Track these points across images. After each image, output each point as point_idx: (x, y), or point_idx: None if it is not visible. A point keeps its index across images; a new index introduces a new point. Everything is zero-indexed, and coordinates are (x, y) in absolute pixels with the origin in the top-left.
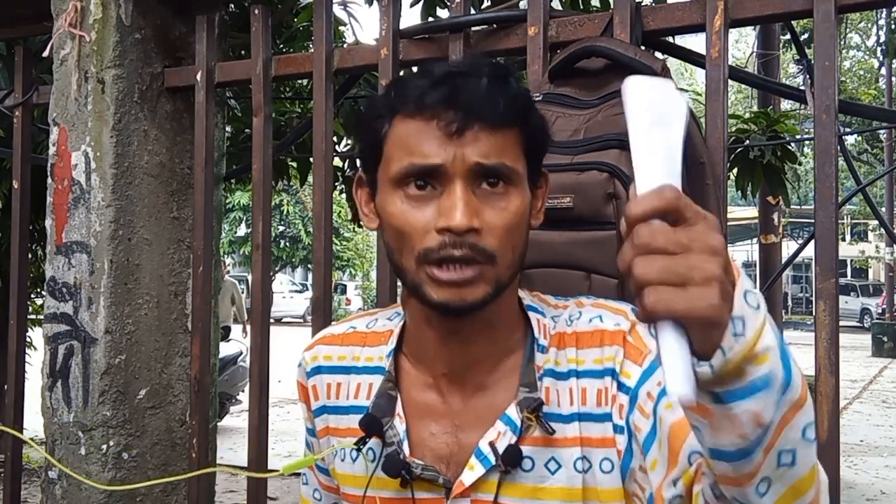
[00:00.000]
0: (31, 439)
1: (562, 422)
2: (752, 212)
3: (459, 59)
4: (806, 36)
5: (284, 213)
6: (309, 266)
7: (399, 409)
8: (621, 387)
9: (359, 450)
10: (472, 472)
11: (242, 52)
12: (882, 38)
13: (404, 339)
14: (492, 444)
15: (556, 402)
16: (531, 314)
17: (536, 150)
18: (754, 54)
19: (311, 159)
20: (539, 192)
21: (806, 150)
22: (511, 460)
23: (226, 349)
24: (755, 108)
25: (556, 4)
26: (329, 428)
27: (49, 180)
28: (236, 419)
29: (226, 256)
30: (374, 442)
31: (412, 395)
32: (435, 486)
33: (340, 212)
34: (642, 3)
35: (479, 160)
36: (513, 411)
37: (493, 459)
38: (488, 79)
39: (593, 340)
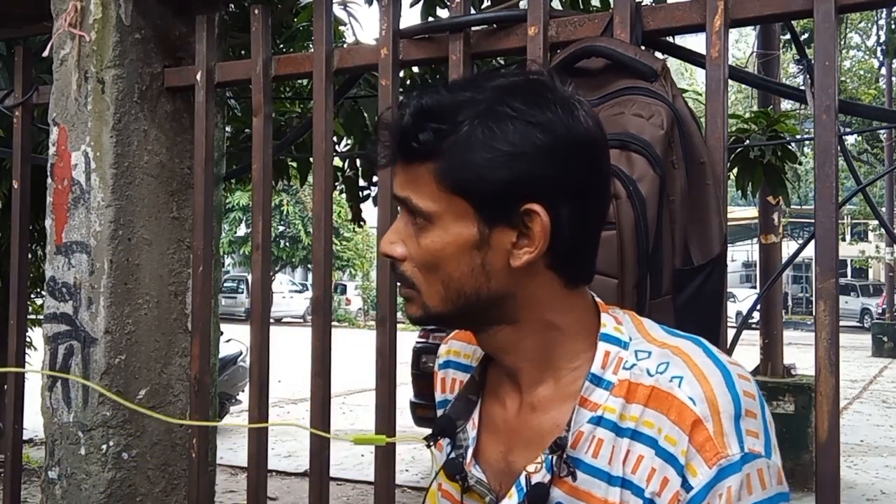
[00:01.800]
0: (31, 439)
1: (605, 482)
2: (752, 212)
3: (417, 93)
4: (806, 36)
5: (284, 213)
6: (309, 266)
7: (476, 414)
8: (686, 485)
9: (428, 446)
10: (509, 501)
11: (242, 52)
12: (882, 38)
13: None
14: (528, 477)
15: (608, 458)
16: (602, 344)
17: (476, 189)
18: (754, 54)
19: (311, 159)
20: (526, 230)
21: (806, 150)
22: (535, 499)
23: (226, 349)
24: (755, 108)
25: (556, 4)
26: (412, 434)
27: (49, 180)
28: (236, 419)
29: (226, 256)
30: (448, 441)
31: (488, 403)
32: (483, 501)
33: (340, 212)
34: (642, 3)
35: (395, 192)
36: (548, 450)
37: (525, 492)
38: (411, 114)
39: (663, 405)
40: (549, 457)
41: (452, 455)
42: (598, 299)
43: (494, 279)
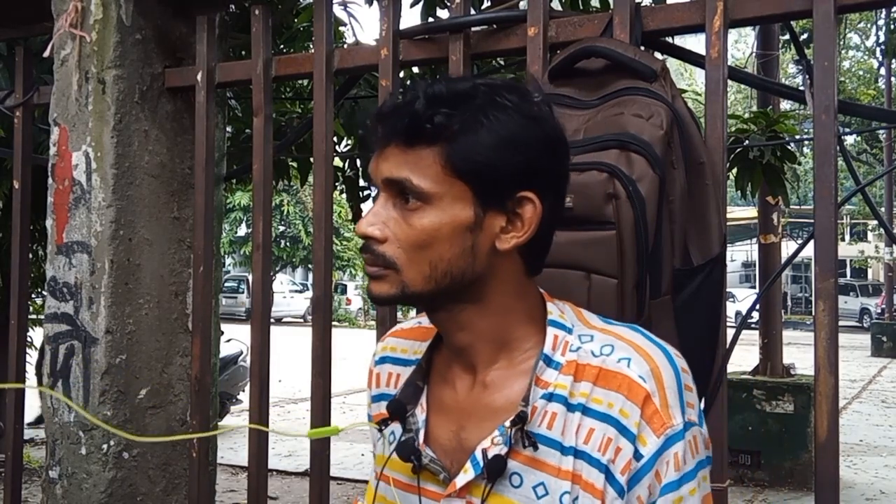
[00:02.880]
0: (31, 439)
1: (559, 451)
2: (751, 212)
3: (433, 79)
4: (805, 36)
5: (284, 213)
6: (309, 266)
7: (423, 399)
8: (636, 454)
9: (380, 430)
10: (465, 475)
11: (243, 53)
12: (881, 38)
13: None
14: (484, 451)
15: (561, 430)
16: (550, 329)
17: (481, 173)
18: (754, 54)
19: (311, 159)
20: (515, 216)
21: (805, 150)
22: (494, 470)
23: (226, 349)
24: (755, 108)
25: (556, 5)
26: (381, 414)
27: (49, 180)
28: (236, 419)
29: (226, 256)
30: (397, 427)
31: (435, 388)
32: (438, 480)
33: (340, 212)
34: (642, 4)
35: (386, 174)
36: (508, 424)
37: (482, 466)
38: (424, 99)
39: (613, 383)
40: (507, 430)
41: (404, 438)
42: (541, 290)
43: (478, 260)
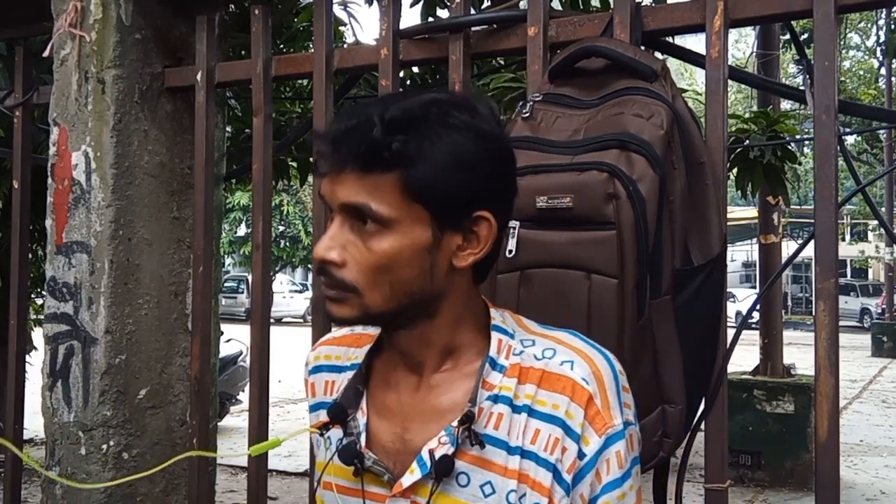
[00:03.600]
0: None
1: (505, 450)
2: (752, 212)
3: (382, 100)
4: (806, 36)
5: (284, 213)
6: (309, 266)
7: (363, 403)
8: (580, 453)
9: (321, 434)
10: (411, 476)
11: (242, 52)
12: (882, 38)
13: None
14: (431, 452)
15: (507, 430)
16: (494, 334)
17: (439, 197)
18: (754, 54)
19: (311, 159)
20: (472, 235)
21: (806, 150)
22: (442, 470)
23: (226, 349)
24: (755, 108)
25: (556, 4)
26: (321, 422)
27: (49, 180)
28: (236, 419)
29: (226, 256)
30: (337, 432)
31: (376, 392)
32: (382, 482)
33: None
34: (642, 3)
35: (344, 200)
36: (456, 423)
37: (429, 466)
38: (381, 125)
39: (557, 385)
40: (454, 430)
41: (345, 441)
42: (483, 297)
43: (436, 279)
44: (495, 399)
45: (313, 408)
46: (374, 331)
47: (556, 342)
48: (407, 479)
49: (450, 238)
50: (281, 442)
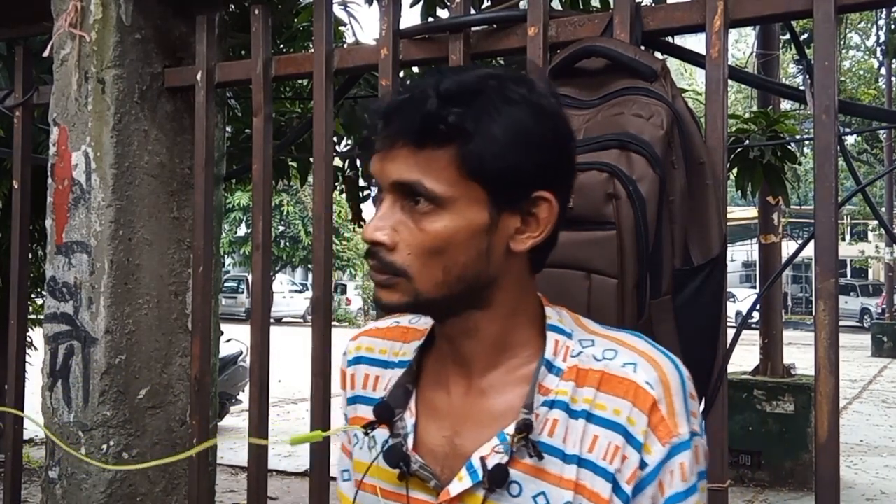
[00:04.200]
0: (31, 439)
1: (560, 459)
2: (752, 212)
3: (437, 73)
4: (806, 36)
5: (284, 213)
6: (309, 266)
7: (412, 403)
8: (641, 463)
9: (366, 434)
10: (459, 483)
11: (242, 52)
12: (882, 38)
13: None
14: (483, 460)
15: (563, 437)
16: (550, 333)
17: (498, 174)
18: (754, 54)
19: (311, 159)
20: (531, 217)
21: (806, 150)
22: (496, 480)
23: (226, 349)
24: (755, 108)
25: (557, 4)
26: (358, 417)
27: (49, 180)
28: (236, 419)
29: (226, 256)
30: (383, 432)
31: (426, 392)
32: (427, 488)
33: (340, 212)
34: (642, 3)
35: (395, 177)
36: (510, 430)
37: (480, 475)
38: (437, 97)
39: (619, 389)
40: (509, 438)
41: (391, 443)
42: (539, 294)
43: (492, 263)
44: (551, 404)
45: (350, 401)
46: (422, 326)
47: (617, 343)
48: (455, 487)
49: (507, 219)
50: (323, 436)
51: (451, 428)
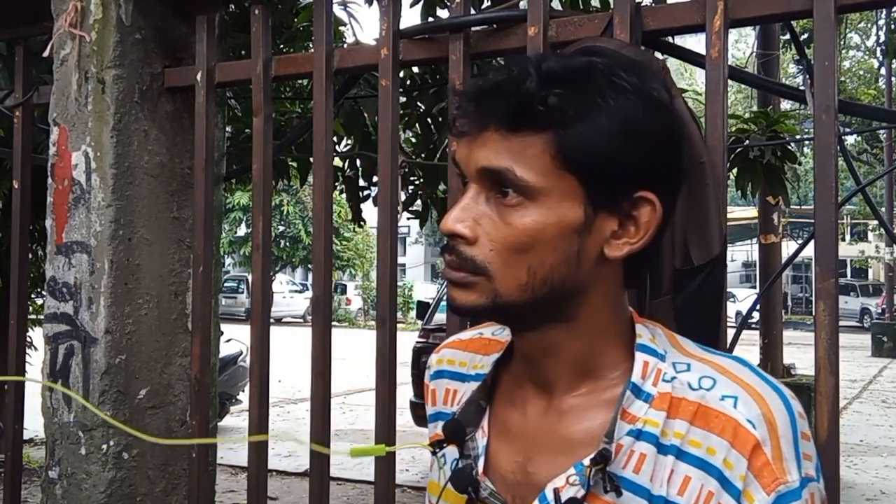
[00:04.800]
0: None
1: (646, 500)
2: (752, 212)
3: (538, 56)
4: (806, 36)
5: (284, 213)
6: (309, 266)
7: (485, 422)
8: None
9: (434, 453)
10: None
11: (242, 52)
12: (882, 38)
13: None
14: (556, 492)
15: (650, 475)
16: (639, 354)
17: (598, 167)
18: (754, 54)
19: (311, 159)
20: (630, 221)
21: (806, 150)
22: None
23: (226, 349)
24: (755, 108)
25: (557, 4)
26: (438, 436)
27: (49, 180)
28: (236, 419)
29: (226, 256)
30: (452, 451)
31: (500, 410)
32: None
33: (340, 212)
34: (642, 3)
35: (483, 163)
36: (587, 461)
37: None
38: (537, 76)
39: (715, 425)
40: (586, 469)
41: (461, 465)
42: (630, 308)
43: (583, 269)
44: (638, 435)
45: (432, 418)
46: (505, 337)
47: (717, 370)
48: None
49: (603, 220)
50: (385, 451)
51: (524, 453)
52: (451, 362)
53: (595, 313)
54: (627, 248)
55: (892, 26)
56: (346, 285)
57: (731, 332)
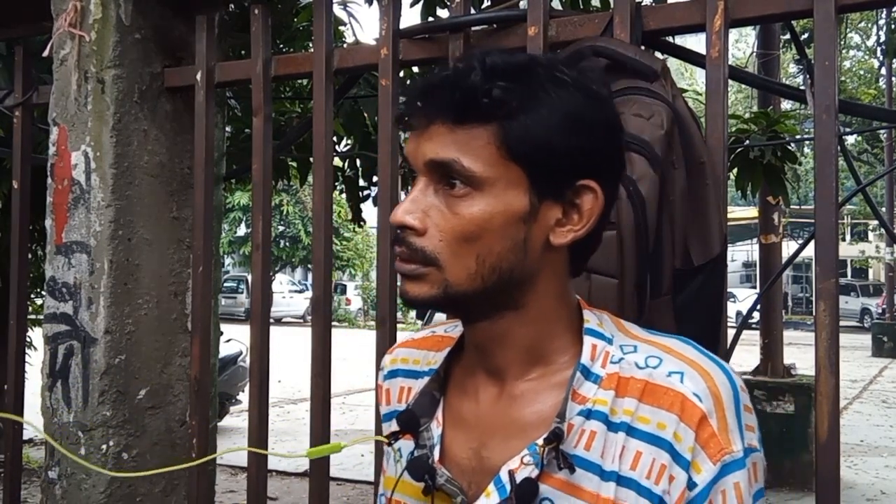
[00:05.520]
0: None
1: (598, 475)
2: (752, 212)
3: (481, 52)
4: (806, 36)
5: (284, 213)
6: (309, 266)
7: (439, 412)
8: (690, 483)
9: (390, 445)
10: (487, 500)
11: (242, 52)
12: (882, 38)
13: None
14: (511, 473)
15: (600, 452)
16: (587, 338)
17: (541, 156)
18: (754, 54)
19: (311, 159)
20: (573, 209)
21: (806, 150)
22: (524, 496)
23: (226, 349)
24: (755, 108)
25: (557, 4)
26: (368, 435)
27: (49, 180)
28: (236, 419)
29: (226, 256)
30: (408, 444)
31: (453, 400)
32: (452, 503)
33: (340, 212)
34: (642, 3)
35: (431, 156)
36: (541, 441)
37: (508, 490)
38: (482, 70)
39: (663, 401)
40: (539, 449)
41: (416, 454)
42: (577, 296)
43: (529, 256)
44: (588, 414)
45: (387, 417)
46: (457, 333)
47: (662, 349)
48: None
49: (548, 209)
50: (342, 448)
51: (478, 439)
52: (406, 361)
53: (543, 300)
54: (572, 235)
55: (893, 26)
56: (345, 285)
57: (731, 332)
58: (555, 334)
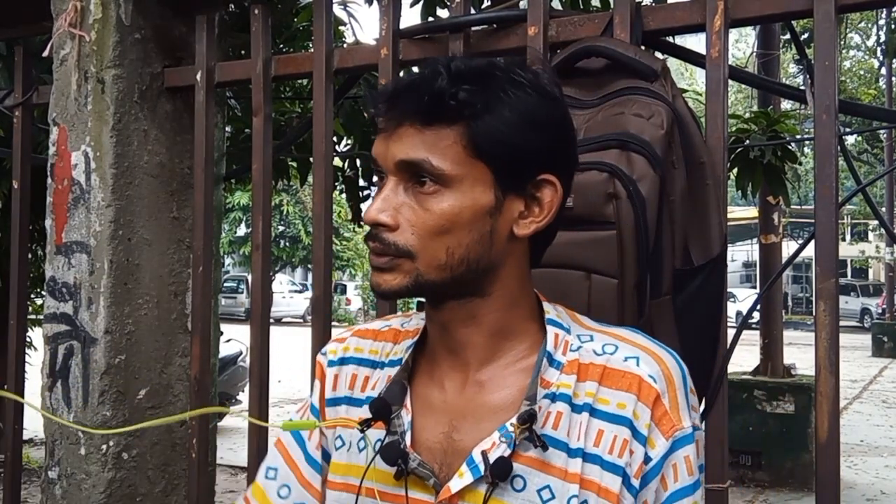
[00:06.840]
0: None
1: (565, 452)
2: (752, 212)
3: (446, 58)
4: (806, 36)
5: (284, 213)
6: (309, 266)
7: (408, 400)
8: (646, 457)
9: (362, 431)
10: (460, 480)
11: (242, 52)
12: (882, 38)
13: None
14: (484, 454)
15: (566, 431)
16: (550, 328)
17: (504, 153)
18: (754, 54)
19: (311, 159)
20: (535, 202)
21: (806, 150)
22: (499, 474)
23: (226, 349)
24: (755, 108)
25: (557, 4)
26: (343, 419)
27: (49, 180)
28: (236, 419)
29: (226, 256)
30: (376, 432)
31: (420, 389)
32: (427, 486)
33: (340, 212)
34: (642, 3)
35: (401, 157)
36: (513, 422)
37: (482, 469)
38: (447, 75)
39: (622, 383)
40: (513, 429)
41: (388, 440)
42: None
43: (495, 247)
44: (553, 397)
45: (332, 402)
46: (413, 327)
47: (616, 338)
48: (456, 484)
49: (512, 202)
50: (317, 426)
51: (448, 424)
52: (360, 350)
53: (507, 288)
54: (534, 227)
55: (893, 26)
56: (346, 285)
57: (731, 332)
58: (518, 320)
